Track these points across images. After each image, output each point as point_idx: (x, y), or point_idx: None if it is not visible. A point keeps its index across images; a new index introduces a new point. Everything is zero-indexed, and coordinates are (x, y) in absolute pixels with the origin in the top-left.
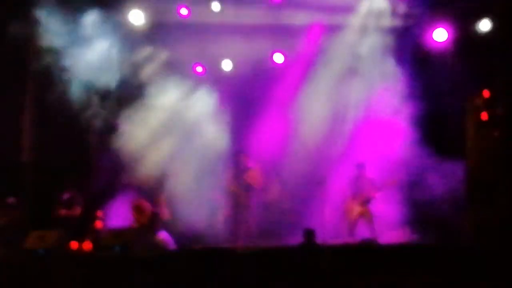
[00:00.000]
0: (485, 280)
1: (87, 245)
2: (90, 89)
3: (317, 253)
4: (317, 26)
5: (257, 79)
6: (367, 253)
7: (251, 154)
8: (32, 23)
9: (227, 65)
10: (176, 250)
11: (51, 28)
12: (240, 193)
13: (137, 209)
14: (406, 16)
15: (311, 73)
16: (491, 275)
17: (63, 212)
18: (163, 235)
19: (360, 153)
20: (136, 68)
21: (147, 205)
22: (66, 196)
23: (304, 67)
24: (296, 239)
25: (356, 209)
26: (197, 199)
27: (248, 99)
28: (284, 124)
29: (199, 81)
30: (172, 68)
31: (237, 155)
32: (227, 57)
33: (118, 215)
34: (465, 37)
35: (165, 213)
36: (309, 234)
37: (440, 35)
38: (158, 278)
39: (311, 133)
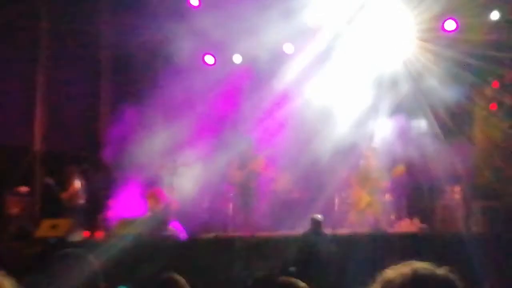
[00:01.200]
0: (493, 267)
1: (99, 234)
2: None
3: (323, 241)
4: None
5: (267, 69)
6: (375, 242)
7: (259, 144)
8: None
9: (237, 58)
10: (187, 239)
11: None
12: (246, 181)
13: (153, 197)
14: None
15: (320, 63)
16: (498, 262)
17: (64, 195)
18: (175, 225)
19: (367, 141)
20: None
21: (162, 194)
22: (63, 178)
23: (313, 56)
24: (304, 228)
25: (364, 198)
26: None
27: (255, 88)
28: (292, 113)
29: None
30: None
31: (243, 143)
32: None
33: (128, 204)
34: (473, 28)
35: (175, 203)
36: (316, 222)
37: (449, 25)
38: (168, 267)
39: (319, 122)
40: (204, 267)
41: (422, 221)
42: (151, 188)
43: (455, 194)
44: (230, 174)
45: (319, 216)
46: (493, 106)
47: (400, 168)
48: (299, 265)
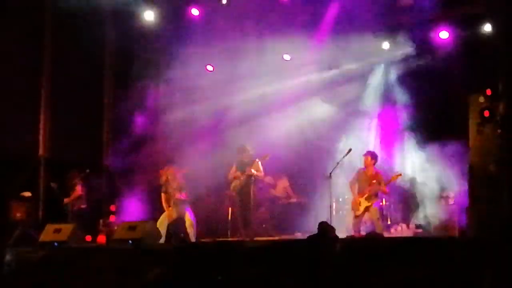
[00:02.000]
0: (488, 274)
1: (101, 239)
2: None
3: (331, 245)
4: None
5: (265, 75)
6: (373, 246)
7: (258, 150)
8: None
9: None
10: (186, 243)
11: None
12: (244, 186)
13: (171, 173)
14: (412, 14)
15: (318, 72)
16: (493, 268)
17: (66, 200)
18: (190, 214)
19: (365, 148)
20: None
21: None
22: (66, 183)
23: (312, 65)
24: (303, 233)
25: (363, 203)
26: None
27: (256, 96)
28: (292, 119)
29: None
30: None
31: (241, 149)
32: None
33: (131, 210)
34: (468, 37)
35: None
36: (324, 227)
37: (444, 34)
38: (168, 272)
39: (318, 128)
40: (203, 272)
41: (418, 226)
42: (169, 166)
43: (450, 199)
44: (229, 180)
45: (326, 222)
46: (486, 114)
47: (398, 173)
48: (301, 269)
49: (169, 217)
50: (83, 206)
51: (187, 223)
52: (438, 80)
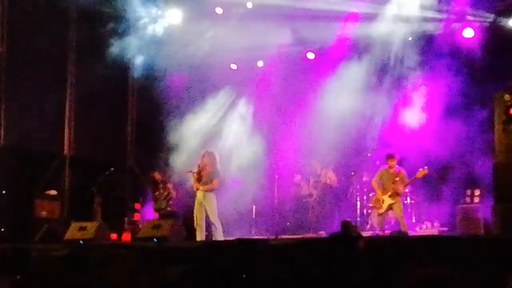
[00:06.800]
0: None
1: (126, 237)
2: None
3: (353, 243)
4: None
5: (289, 73)
6: (397, 245)
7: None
8: None
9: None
10: (209, 241)
11: None
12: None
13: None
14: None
15: (343, 67)
16: None
17: (156, 193)
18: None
19: (389, 146)
20: None
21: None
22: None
23: (336, 60)
24: (328, 232)
25: (386, 201)
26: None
27: (280, 94)
28: (315, 118)
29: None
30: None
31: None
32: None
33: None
34: (494, 34)
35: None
36: (346, 225)
37: (468, 32)
38: (191, 270)
39: (343, 126)
40: (227, 270)
41: (442, 224)
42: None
43: (475, 197)
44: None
45: (349, 220)
46: None
47: (423, 171)
48: (324, 268)
49: None
50: (169, 209)
51: None
52: (462, 77)
